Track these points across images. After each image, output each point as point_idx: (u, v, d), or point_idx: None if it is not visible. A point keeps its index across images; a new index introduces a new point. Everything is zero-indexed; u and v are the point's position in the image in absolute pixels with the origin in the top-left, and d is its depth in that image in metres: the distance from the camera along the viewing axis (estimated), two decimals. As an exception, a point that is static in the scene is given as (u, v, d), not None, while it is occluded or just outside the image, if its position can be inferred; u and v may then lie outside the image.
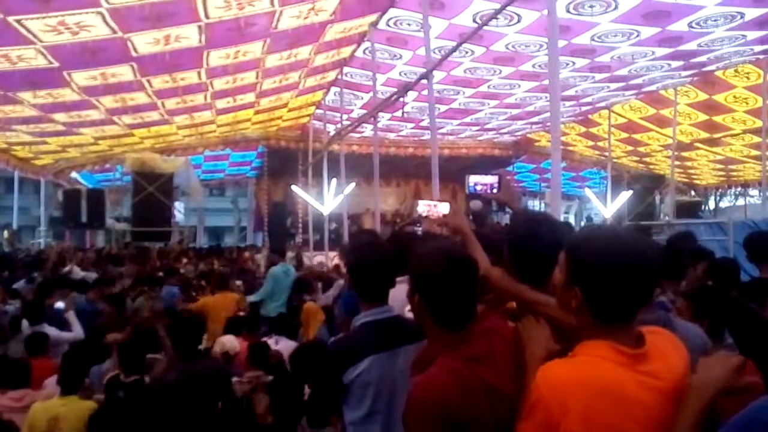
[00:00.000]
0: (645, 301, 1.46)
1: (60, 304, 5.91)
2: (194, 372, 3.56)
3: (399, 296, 2.51)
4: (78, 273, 8.87)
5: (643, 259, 1.42)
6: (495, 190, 2.85)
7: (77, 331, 5.63)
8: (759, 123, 10.75)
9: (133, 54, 7.50)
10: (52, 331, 5.39)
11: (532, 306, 1.80)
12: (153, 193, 14.31)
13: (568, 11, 7.68)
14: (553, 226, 2.10)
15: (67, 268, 9.03)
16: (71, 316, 5.75)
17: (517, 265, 2.01)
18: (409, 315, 2.61)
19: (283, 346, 5.19)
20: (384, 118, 13.84)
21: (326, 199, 13.16)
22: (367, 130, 14.54)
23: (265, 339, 5.34)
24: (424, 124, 15.08)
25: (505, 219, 13.72)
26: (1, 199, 29.46)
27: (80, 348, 4.63)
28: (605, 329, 1.43)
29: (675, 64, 10.03)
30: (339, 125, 12.47)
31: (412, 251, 1.87)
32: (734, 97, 11.41)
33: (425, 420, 1.62)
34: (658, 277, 1.50)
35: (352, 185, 13.28)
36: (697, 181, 20.13)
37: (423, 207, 2.46)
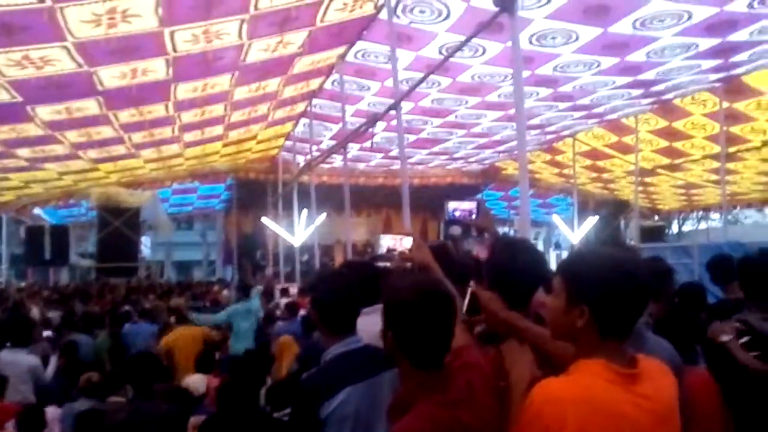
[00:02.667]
0: (641, 314, 1.51)
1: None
2: (143, 412, 3.46)
3: (369, 328, 2.49)
4: (36, 314, 8.60)
5: (641, 272, 1.49)
6: (474, 216, 2.83)
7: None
8: (717, 148, 11.10)
9: (99, 88, 7.42)
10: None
11: (521, 333, 1.79)
12: (119, 227, 14.06)
13: (530, 42, 7.88)
14: (533, 251, 2.13)
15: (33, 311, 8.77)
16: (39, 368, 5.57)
17: (499, 290, 2.01)
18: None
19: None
20: (353, 149, 13.90)
21: (297, 231, 13.09)
22: (337, 160, 14.58)
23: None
24: (393, 154, 15.19)
25: (473, 247, 13.76)
26: (-41, 237, 28.53)
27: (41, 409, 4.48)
28: (606, 347, 1.46)
29: (635, 92, 10.34)
30: (309, 156, 12.48)
31: (386, 286, 1.84)
32: (692, 123, 11.77)
33: None
34: (652, 290, 1.55)
35: (323, 216, 13.25)
36: (660, 206, 20.60)
37: (389, 241, 2.46)
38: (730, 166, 13.15)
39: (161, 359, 6.25)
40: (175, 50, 6.77)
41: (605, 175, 16.77)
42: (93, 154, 11.21)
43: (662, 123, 12.11)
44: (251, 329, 7.50)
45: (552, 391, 1.42)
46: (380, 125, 10.16)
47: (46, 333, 7.35)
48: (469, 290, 1.83)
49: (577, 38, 7.83)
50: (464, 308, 1.83)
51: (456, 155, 16.37)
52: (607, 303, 1.45)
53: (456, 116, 11.94)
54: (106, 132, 9.67)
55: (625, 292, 1.45)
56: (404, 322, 1.70)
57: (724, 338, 2.74)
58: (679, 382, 1.71)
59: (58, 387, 5.53)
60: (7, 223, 16.41)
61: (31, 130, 8.71)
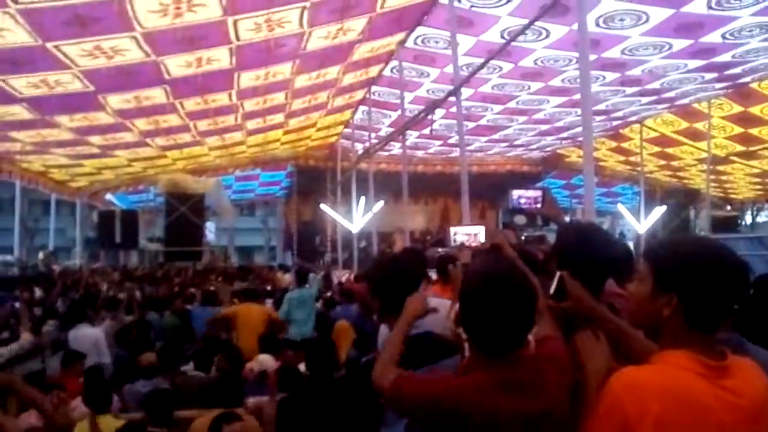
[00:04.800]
0: (734, 308, 1.42)
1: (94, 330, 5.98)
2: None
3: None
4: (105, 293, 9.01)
5: (737, 261, 1.40)
6: (539, 205, 2.76)
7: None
8: (798, 135, 10.49)
9: (166, 77, 7.65)
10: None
11: (605, 323, 1.72)
12: (185, 213, 14.52)
13: (597, 25, 7.61)
14: (605, 235, 2.06)
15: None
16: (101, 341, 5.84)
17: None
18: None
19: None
20: (412, 136, 13.85)
21: (355, 218, 13.19)
22: (396, 148, 14.56)
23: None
24: (452, 141, 15.06)
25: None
26: (38, 221, 30.22)
27: (100, 368, 4.68)
28: (693, 338, 1.39)
29: (708, 76, 9.85)
30: (367, 144, 12.52)
31: (465, 273, 1.80)
32: (771, 109, 11.16)
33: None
34: (749, 284, 1.45)
35: (381, 203, 13.29)
36: (733, 195, 19.66)
37: (463, 236, 2.44)
38: (812, 153, 12.42)
39: (223, 323, 6.50)
40: (238, 39, 6.89)
41: (674, 163, 16.11)
42: (160, 141, 11.60)
43: (737, 108, 11.51)
44: (307, 318, 7.56)
45: (634, 380, 1.36)
46: (439, 112, 10.07)
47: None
48: (558, 275, 1.77)
49: (647, 20, 7.51)
50: (551, 292, 1.77)
51: (516, 142, 16.07)
52: (698, 292, 1.37)
53: (517, 102, 11.70)
54: (172, 120, 9.98)
55: (718, 281, 1.36)
56: (467, 306, 1.67)
57: None
58: None
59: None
60: (81, 208, 17.22)
61: (103, 118, 9.08)
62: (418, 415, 1.74)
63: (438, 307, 2.26)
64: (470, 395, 1.60)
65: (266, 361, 5.42)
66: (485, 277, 1.67)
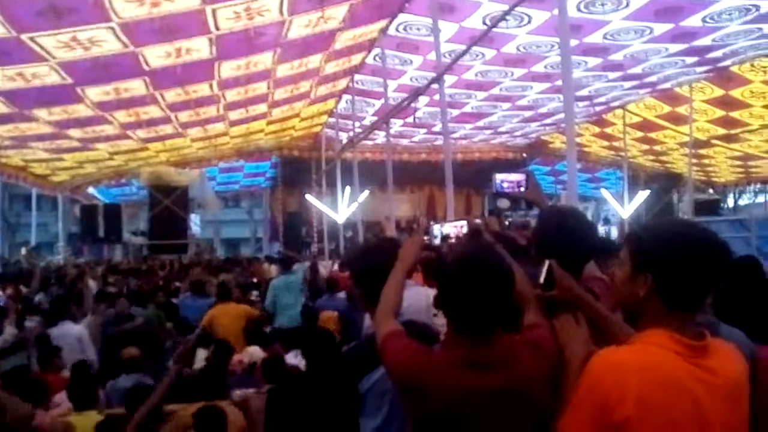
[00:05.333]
0: (713, 289, 1.44)
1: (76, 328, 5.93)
2: None
3: (416, 301, 2.44)
4: (93, 288, 8.92)
5: (714, 244, 1.41)
6: (522, 188, 2.79)
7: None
8: (777, 117, 10.59)
9: (145, 68, 7.54)
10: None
11: (592, 313, 1.74)
12: (169, 206, 14.41)
13: (579, 10, 7.61)
14: (582, 218, 2.06)
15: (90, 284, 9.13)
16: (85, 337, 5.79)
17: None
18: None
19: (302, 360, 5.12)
20: (396, 125, 13.81)
21: (340, 208, 13.16)
22: (380, 137, 14.53)
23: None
24: (436, 129, 15.04)
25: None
26: (19, 217, 29.84)
27: (86, 364, 4.64)
28: (671, 318, 1.41)
29: (689, 60, 9.90)
30: (351, 133, 12.46)
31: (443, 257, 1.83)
32: (751, 92, 11.23)
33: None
34: (729, 266, 1.46)
35: (366, 193, 13.25)
36: (716, 179, 19.84)
37: (450, 228, 2.47)
38: (792, 135, 12.56)
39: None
40: (217, 28, 6.80)
41: (657, 147, 16.21)
42: (142, 133, 11.46)
43: (718, 92, 11.59)
44: (295, 303, 7.53)
45: (613, 359, 1.38)
46: (423, 100, 10.02)
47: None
48: (546, 263, 1.79)
49: (627, 4, 7.52)
50: (541, 281, 1.80)
51: (500, 129, 16.10)
52: (672, 271, 1.38)
53: (501, 89, 11.70)
54: (153, 112, 9.85)
55: (693, 260, 1.37)
56: (443, 289, 1.70)
57: None
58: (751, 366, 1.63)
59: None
60: (63, 203, 17.02)
61: (82, 110, 8.94)
62: (392, 376, 1.77)
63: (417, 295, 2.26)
64: (432, 369, 1.65)
65: (255, 353, 5.41)
66: (461, 259, 1.69)
